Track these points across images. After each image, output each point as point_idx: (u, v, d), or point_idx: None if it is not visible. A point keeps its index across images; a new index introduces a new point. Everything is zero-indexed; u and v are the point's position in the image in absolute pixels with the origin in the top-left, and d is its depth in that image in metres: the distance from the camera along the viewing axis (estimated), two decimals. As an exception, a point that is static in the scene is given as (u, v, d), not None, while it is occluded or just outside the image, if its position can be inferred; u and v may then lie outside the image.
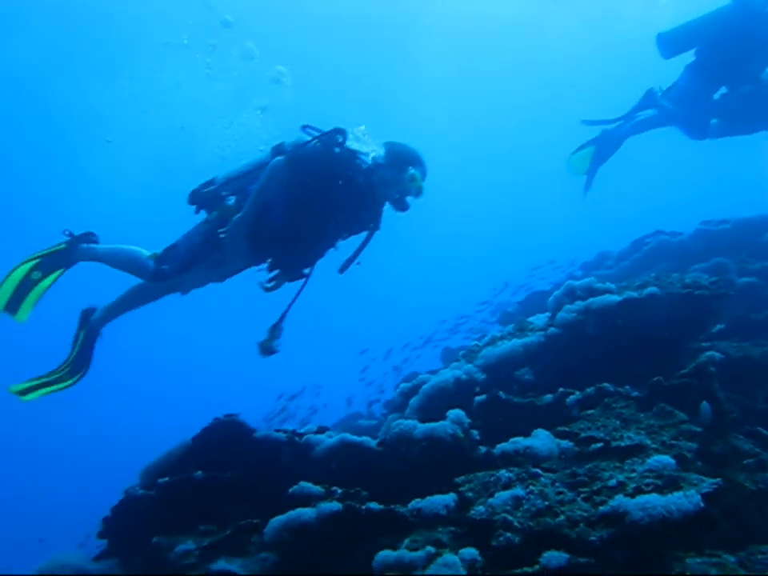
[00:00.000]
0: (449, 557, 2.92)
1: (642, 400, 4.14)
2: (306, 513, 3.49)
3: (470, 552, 3.02)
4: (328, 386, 20.14)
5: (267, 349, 4.58)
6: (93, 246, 4.78)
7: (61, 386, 4.67)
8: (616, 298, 4.79)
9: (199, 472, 4.19)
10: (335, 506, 3.50)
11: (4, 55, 24.91)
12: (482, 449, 4.11)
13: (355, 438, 4.28)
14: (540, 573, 2.86)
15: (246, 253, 4.43)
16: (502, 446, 3.88)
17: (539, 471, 3.48)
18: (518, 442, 3.84)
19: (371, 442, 4.28)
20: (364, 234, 4.72)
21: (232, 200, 4.39)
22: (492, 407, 4.51)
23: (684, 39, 7.45)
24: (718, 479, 3.25)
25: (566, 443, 3.82)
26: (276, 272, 4.69)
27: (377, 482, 4.01)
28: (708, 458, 3.83)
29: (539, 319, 5.49)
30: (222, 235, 4.28)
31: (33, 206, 31.72)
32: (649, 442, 3.59)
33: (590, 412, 4.07)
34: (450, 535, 3.28)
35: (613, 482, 3.25)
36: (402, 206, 4.60)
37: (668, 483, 3.17)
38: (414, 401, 5.04)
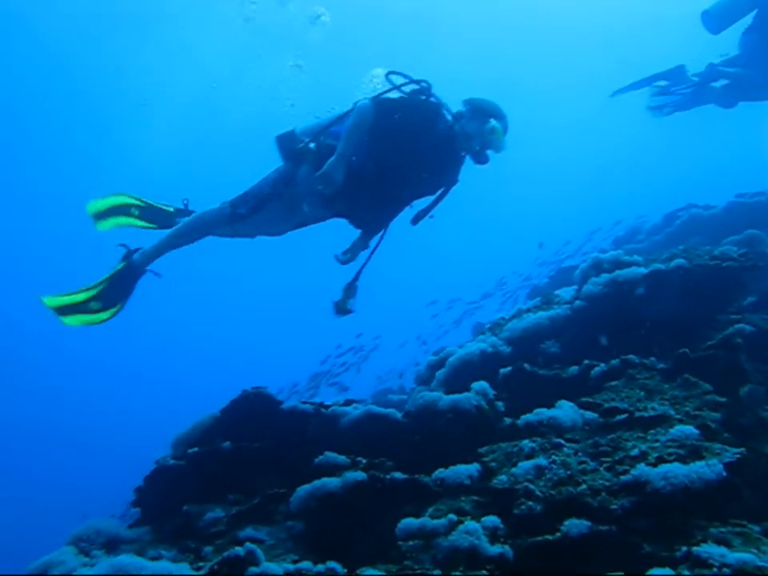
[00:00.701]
0: (470, 524, 2.96)
1: (666, 372, 4.12)
2: (332, 482, 3.56)
3: (492, 520, 3.06)
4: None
5: (342, 309, 4.52)
6: (146, 248, 4.63)
7: (97, 317, 4.53)
8: (642, 270, 4.76)
9: (227, 443, 4.27)
10: (360, 475, 3.56)
11: (33, 24, 24.99)
12: (507, 420, 4.13)
13: (381, 409, 4.33)
14: (561, 540, 2.89)
15: (321, 200, 4.35)
16: (526, 417, 3.90)
17: (562, 441, 3.50)
18: (542, 413, 3.85)
19: (396, 413, 4.32)
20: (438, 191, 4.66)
21: (313, 145, 4.29)
22: (517, 379, 4.53)
23: (731, 12, 7.27)
24: (742, 449, 3.24)
25: (590, 414, 3.83)
26: (352, 244, 4.66)
27: (402, 453, 4.06)
28: (734, 429, 3.81)
29: (566, 292, 5.47)
30: (320, 172, 4.13)
31: (68, 174, 31.99)
32: (672, 412, 3.58)
33: (614, 383, 4.07)
34: (473, 504, 3.32)
35: (635, 452, 3.26)
36: (481, 159, 4.51)
37: (691, 453, 3.17)
38: (440, 373, 5.08)
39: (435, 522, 3.04)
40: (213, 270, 36.71)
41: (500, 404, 4.25)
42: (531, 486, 3.15)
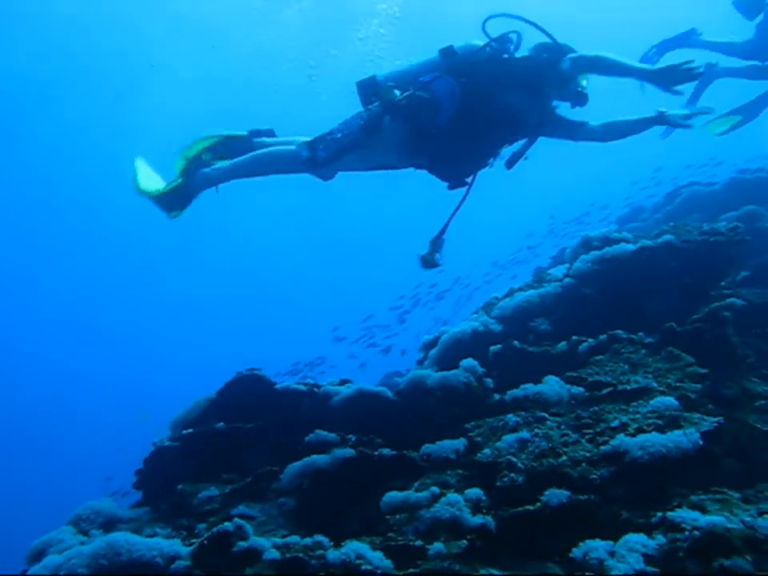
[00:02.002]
0: (452, 496, 3.04)
1: (653, 345, 4.17)
2: (321, 459, 3.64)
3: (474, 492, 3.13)
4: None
5: (429, 262, 4.35)
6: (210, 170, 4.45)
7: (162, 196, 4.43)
8: (631, 246, 4.80)
9: (221, 423, 4.34)
10: (348, 452, 3.64)
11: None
12: (496, 396, 4.20)
13: (372, 387, 4.40)
14: (541, 510, 2.96)
15: (405, 145, 4.25)
16: (512, 392, 3.97)
17: (545, 415, 3.56)
18: (528, 388, 3.92)
19: (387, 391, 4.39)
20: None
21: (398, 93, 4.14)
22: (507, 356, 4.59)
23: None
24: (720, 418, 3.30)
25: (577, 389, 3.89)
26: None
27: (393, 430, 4.13)
28: (719, 400, 3.87)
29: (558, 270, 5.52)
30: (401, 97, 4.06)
31: (84, 137, 31.86)
32: (655, 384, 3.64)
33: (599, 358, 4.12)
34: (458, 477, 3.40)
35: (616, 423, 3.32)
36: (582, 100, 4.38)
37: (669, 423, 3.23)
38: (432, 352, 5.15)
39: (418, 494, 3.12)
40: (212, 253, 36.96)
41: (489, 380, 4.31)
42: (513, 459, 3.22)
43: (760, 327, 4.97)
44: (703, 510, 2.83)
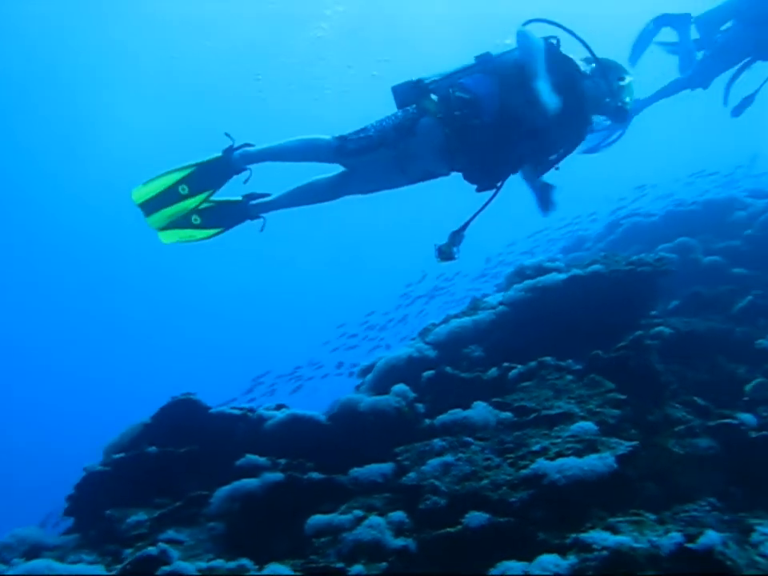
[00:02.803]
0: (374, 519, 3.10)
1: (578, 372, 4.31)
2: (251, 483, 3.67)
3: (398, 515, 3.20)
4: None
5: (446, 253, 4.26)
6: (249, 149, 4.47)
7: (197, 234, 4.50)
8: (562, 276, 4.95)
9: (153, 447, 4.33)
10: (278, 476, 3.67)
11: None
12: (427, 421, 4.27)
13: (305, 412, 4.44)
14: (462, 532, 3.03)
15: (437, 148, 4.15)
16: (441, 418, 4.05)
17: (470, 439, 3.65)
18: (456, 413, 4.01)
19: (320, 416, 4.43)
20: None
21: (435, 96, 4.11)
22: (439, 382, 4.68)
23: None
24: (635, 443, 3.42)
25: (504, 414, 4.00)
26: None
27: (324, 454, 4.17)
28: (640, 426, 4.02)
29: (493, 298, 5.65)
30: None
31: (55, 146, 31.36)
32: (577, 410, 3.77)
33: (525, 384, 4.24)
34: (384, 501, 3.46)
35: (537, 447, 3.43)
36: (621, 116, 4.34)
37: (587, 447, 3.34)
38: (368, 377, 5.22)
39: (342, 517, 3.17)
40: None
41: (420, 406, 4.39)
42: (437, 482, 3.30)
43: (685, 354, 5.17)
44: (616, 531, 2.94)
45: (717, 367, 5.06)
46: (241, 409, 4.71)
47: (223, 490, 3.67)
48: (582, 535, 2.83)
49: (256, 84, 24.76)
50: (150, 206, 4.37)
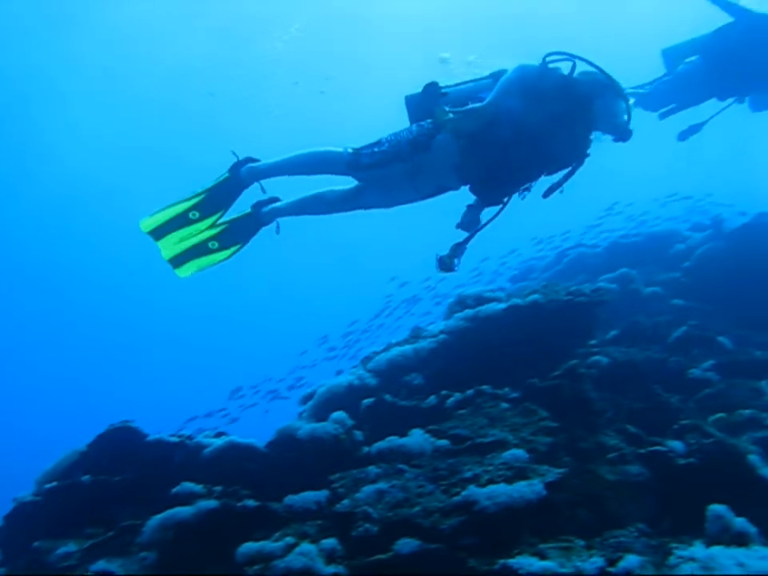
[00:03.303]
0: (305, 546, 3.10)
1: (514, 400, 4.38)
2: (184, 511, 3.64)
3: (330, 542, 3.21)
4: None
5: (446, 264, 4.19)
6: (256, 165, 4.44)
7: (217, 257, 4.44)
8: (502, 305, 5.04)
9: (86, 476, 4.27)
10: (212, 503, 3.65)
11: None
12: (365, 448, 4.29)
13: (243, 439, 4.42)
14: (392, 559, 3.05)
15: (452, 165, 4.13)
16: (378, 445, 4.07)
17: (404, 467, 3.68)
18: (393, 440, 4.04)
19: (259, 443, 4.42)
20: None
21: (452, 115, 3.95)
22: (378, 410, 4.70)
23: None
24: (564, 469, 3.50)
25: (441, 441, 4.03)
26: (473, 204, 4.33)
27: (261, 481, 4.16)
28: (574, 452, 4.10)
29: (435, 326, 5.71)
30: (450, 114, 3.89)
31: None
32: (510, 437, 3.82)
33: (461, 412, 4.29)
34: (317, 528, 3.46)
35: (469, 475, 3.47)
36: (626, 135, 4.30)
37: (518, 474, 3.39)
38: (309, 404, 5.22)
39: (273, 545, 3.17)
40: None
41: (359, 433, 4.41)
42: (370, 509, 3.31)
43: (621, 383, 5.29)
44: (543, 557, 2.99)
45: (651, 396, 5.18)
46: (179, 436, 4.68)
47: (156, 519, 3.63)
48: (510, 561, 2.87)
49: (210, 100, 24.77)
50: (160, 231, 4.32)
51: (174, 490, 3.95)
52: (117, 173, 30.97)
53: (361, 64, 24.55)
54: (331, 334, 17.18)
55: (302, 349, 17.69)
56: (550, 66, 4.10)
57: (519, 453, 3.55)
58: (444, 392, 4.68)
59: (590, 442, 4.27)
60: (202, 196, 4.40)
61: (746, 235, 8.26)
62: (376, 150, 4.09)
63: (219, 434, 4.91)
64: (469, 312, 5.12)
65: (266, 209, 4.49)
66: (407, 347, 5.25)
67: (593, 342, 6.25)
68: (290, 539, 3.20)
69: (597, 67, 4.15)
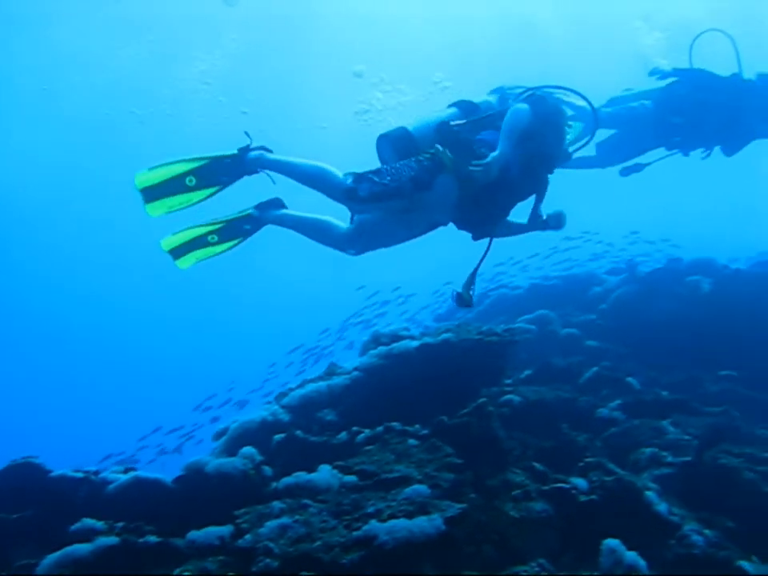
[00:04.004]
0: (203, 581, 3.07)
1: (422, 437, 4.45)
2: (82, 548, 3.55)
3: (228, 578, 3.18)
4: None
5: (465, 299, 4.18)
6: (266, 155, 4.36)
7: (216, 249, 4.39)
8: (414, 343, 5.14)
9: (-19, 514, 4.15)
10: (112, 540, 3.58)
11: None
12: (274, 484, 4.29)
13: (150, 474, 4.37)
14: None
15: (451, 203, 4.12)
16: (285, 480, 4.08)
17: (309, 502, 3.69)
18: (301, 476, 4.06)
19: (166, 478, 4.37)
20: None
21: (441, 147, 3.97)
22: (289, 445, 4.72)
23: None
24: (464, 505, 3.57)
25: (349, 477, 4.07)
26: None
27: (166, 517, 4.10)
28: (480, 489, 4.19)
29: (350, 363, 5.77)
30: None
31: None
32: (415, 473, 3.88)
33: (369, 448, 4.34)
34: (219, 563, 3.43)
35: (371, 510, 3.50)
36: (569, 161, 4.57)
37: (419, 509, 3.45)
38: (221, 440, 5.19)
39: (170, 580, 3.13)
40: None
41: (268, 468, 4.40)
42: (271, 545, 3.31)
43: (531, 421, 5.42)
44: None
45: (559, 434, 5.32)
46: (85, 472, 4.59)
47: (51, 557, 3.54)
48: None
49: (134, 116, 24.60)
50: (152, 192, 4.15)
51: (74, 526, 3.86)
52: (43, 185, 30.55)
53: (284, 85, 24.78)
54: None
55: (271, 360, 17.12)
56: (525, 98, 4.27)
57: (422, 488, 3.61)
58: (355, 428, 4.72)
59: (497, 479, 4.37)
60: (204, 162, 4.27)
61: (657, 280, 8.61)
62: (377, 180, 3.98)
63: (127, 470, 4.83)
64: (383, 349, 5.20)
65: (269, 213, 4.48)
66: (321, 384, 5.30)
67: (508, 381, 6.42)
68: (188, 575, 3.16)
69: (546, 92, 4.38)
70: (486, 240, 4.36)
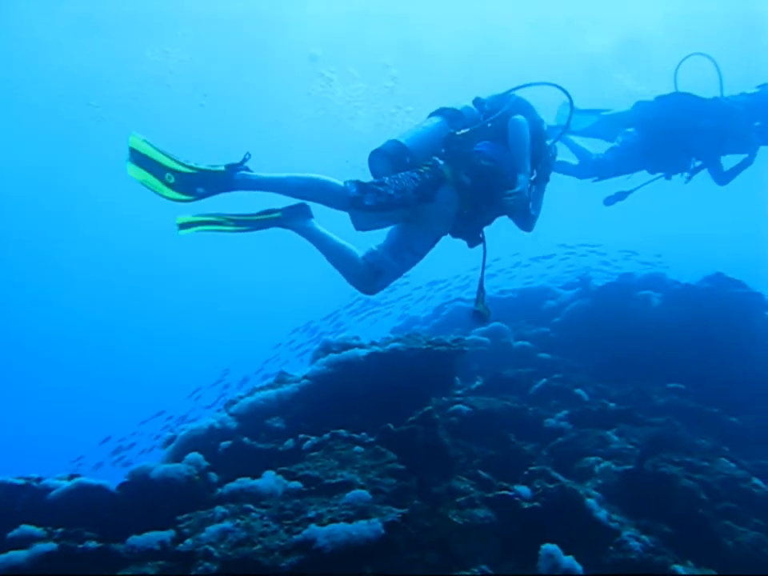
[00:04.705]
0: (139, 584, 3.06)
1: (368, 444, 4.49)
2: (18, 555, 3.51)
3: (167, 581, 3.18)
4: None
5: (483, 315, 4.29)
6: (249, 175, 4.06)
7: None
8: (363, 351, 5.18)
9: None
10: (50, 546, 3.55)
11: None
12: (219, 490, 4.29)
13: (93, 481, 4.33)
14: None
15: (452, 214, 4.19)
16: (230, 486, 4.09)
17: (251, 507, 3.70)
18: (245, 481, 4.08)
19: (110, 484, 4.35)
20: None
21: (440, 161, 4.11)
22: (236, 452, 4.72)
23: None
24: (405, 510, 3.61)
25: (293, 483, 4.08)
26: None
27: (109, 522, 4.08)
28: (425, 496, 4.23)
29: (300, 372, 5.80)
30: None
31: None
32: (358, 479, 3.91)
33: (314, 454, 4.36)
34: (158, 568, 3.43)
35: (312, 514, 3.53)
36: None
37: (360, 514, 3.48)
38: (169, 448, 5.17)
39: (106, 583, 3.11)
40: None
41: (213, 475, 4.40)
42: (211, 548, 3.31)
43: (478, 431, 5.49)
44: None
45: (506, 444, 5.39)
46: (26, 478, 4.53)
47: (-14, 565, 3.50)
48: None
49: (91, 109, 24.39)
50: (138, 158, 3.89)
51: (12, 533, 3.82)
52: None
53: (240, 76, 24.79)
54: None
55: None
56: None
57: (363, 493, 3.64)
58: (302, 435, 4.74)
59: (442, 486, 4.43)
60: (190, 171, 4.01)
61: (609, 294, 8.77)
62: (381, 191, 3.96)
63: (72, 476, 4.78)
64: (332, 357, 5.23)
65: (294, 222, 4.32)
66: (270, 392, 5.31)
67: (458, 391, 6.49)
68: (124, 579, 3.15)
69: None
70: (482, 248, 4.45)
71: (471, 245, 4.50)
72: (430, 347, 5.35)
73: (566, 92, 4.55)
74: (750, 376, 7.24)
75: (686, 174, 7.28)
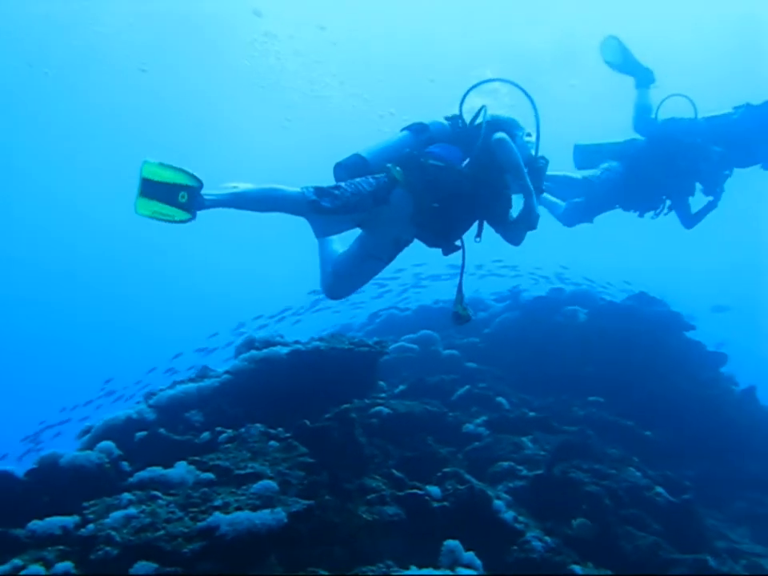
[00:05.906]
0: (33, 567, 3.06)
1: (283, 438, 4.53)
2: None
3: (64, 565, 3.19)
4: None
5: (464, 316, 4.37)
6: (208, 195, 3.82)
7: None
8: (285, 349, 5.24)
9: None
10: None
11: None
12: (131, 479, 4.28)
13: (1, 468, 4.28)
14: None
15: (408, 217, 4.32)
16: (139, 474, 4.09)
17: (158, 494, 3.71)
18: (155, 470, 4.08)
19: (17, 471, 4.30)
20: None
21: (399, 170, 4.24)
22: (151, 443, 4.71)
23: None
24: (311, 501, 3.67)
25: (206, 474, 4.11)
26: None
27: (13, 509, 4.03)
28: (336, 491, 4.29)
29: (221, 366, 5.83)
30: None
31: None
32: (268, 471, 3.96)
33: (227, 446, 4.39)
34: (58, 552, 3.41)
35: (218, 503, 3.56)
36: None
37: (265, 503, 3.53)
38: (85, 438, 5.13)
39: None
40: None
41: (125, 464, 4.39)
42: (113, 533, 3.32)
43: (397, 432, 5.58)
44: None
45: (423, 446, 5.49)
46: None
47: None
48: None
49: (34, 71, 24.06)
50: (151, 188, 3.63)
51: None
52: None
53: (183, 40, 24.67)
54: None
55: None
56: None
57: (271, 484, 3.69)
58: (218, 428, 4.76)
59: (354, 483, 4.50)
60: (197, 182, 3.78)
61: (537, 308, 8.98)
62: (337, 193, 4.07)
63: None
64: (254, 354, 5.27)
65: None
66: (191, 385, 5.32)
67: (382, 395, 6.57)
68: (17, 562, 3.13)
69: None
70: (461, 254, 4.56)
71: (446, 252, 4.61)
72: (352, 347, 5.43)
73: (525, 92, 4.54)
74: (666, 392, 7.51)
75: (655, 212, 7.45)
